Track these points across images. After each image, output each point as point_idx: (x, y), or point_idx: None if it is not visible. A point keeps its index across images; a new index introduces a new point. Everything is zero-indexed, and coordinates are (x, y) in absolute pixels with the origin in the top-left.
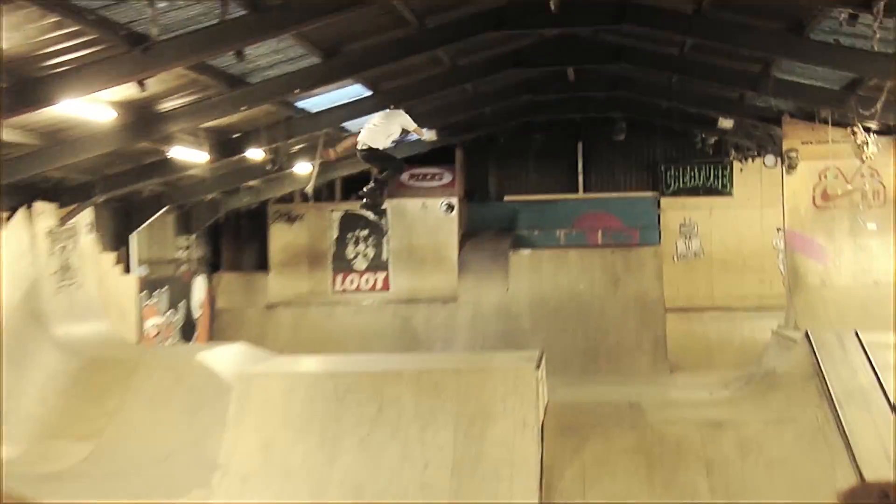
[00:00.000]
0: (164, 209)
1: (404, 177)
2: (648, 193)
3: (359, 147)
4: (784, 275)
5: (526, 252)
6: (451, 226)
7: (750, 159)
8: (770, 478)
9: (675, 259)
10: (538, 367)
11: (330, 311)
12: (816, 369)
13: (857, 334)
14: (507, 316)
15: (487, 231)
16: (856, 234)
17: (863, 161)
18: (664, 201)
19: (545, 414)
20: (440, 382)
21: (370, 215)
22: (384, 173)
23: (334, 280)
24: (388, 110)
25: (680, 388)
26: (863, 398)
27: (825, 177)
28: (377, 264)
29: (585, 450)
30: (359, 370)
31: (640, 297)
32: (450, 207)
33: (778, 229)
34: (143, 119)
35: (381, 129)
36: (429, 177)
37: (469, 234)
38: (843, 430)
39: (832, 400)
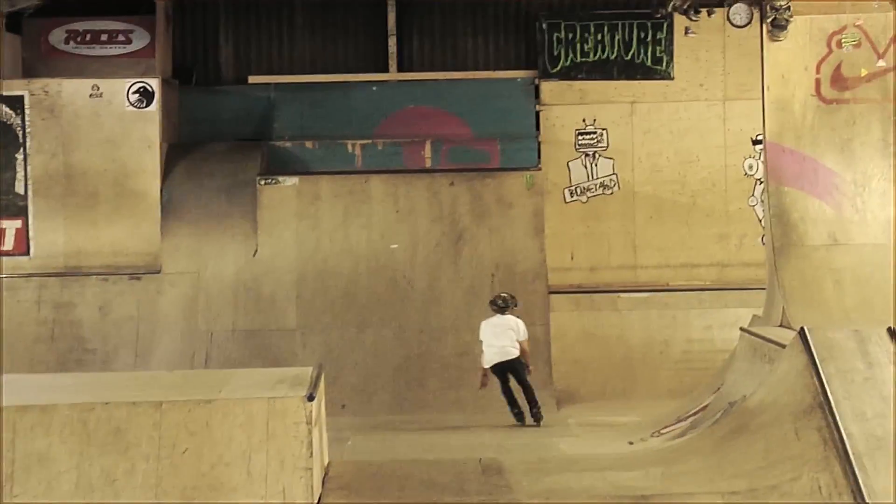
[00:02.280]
0: None
1: (57, 36)
2: (518, 74)
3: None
4: (764, 226)
5: (291, 182)
6: (146, 131)
7: (704, 12)
8: None
9: (568, 196)
10: (312, 397)
11: None
12: (819, 398)
13: (892, 333)
14: (255, 301)
15: (217, 142)
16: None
17: None
18: (547, 88)
19: (325, 484)
20: (125, 427)
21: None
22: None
23: None
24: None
25: (575, 434)
26: None
27: (839, 45)
28: (6, 204)
29: None
30: None
31: (504, 268)
32: (145, 96)
33: (754, 141)
34: None
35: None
36: (105, 37)
37: (183, 148)
38: None
39: (847, 453)
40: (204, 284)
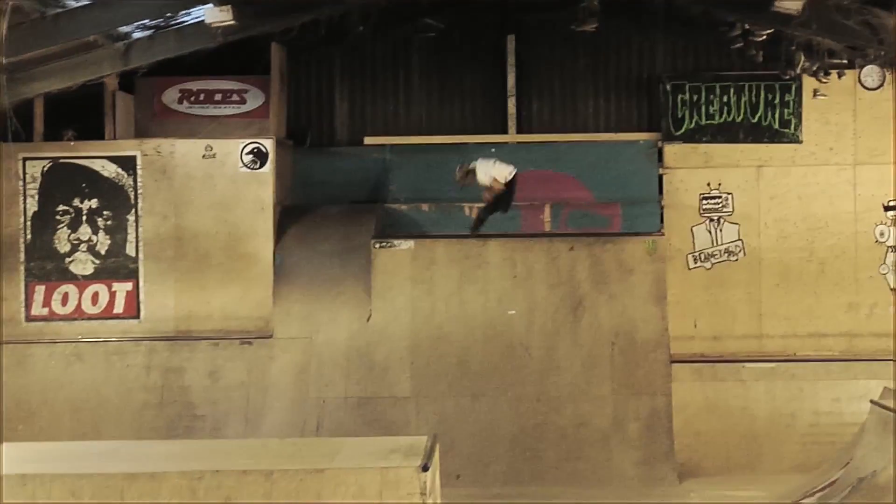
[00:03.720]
0: None
1: (170, 96)
2: (641, 136)
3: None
4: None
5: (406, 246)
6: (259, 193)
7: (834, 74)
8: None
9: (692, 262)
10: (427, 468)
11: (19, 356)
12: None
13: None
14: (368, 368)
15: (331, 205)
16: None
17: None
18: (671, 151)
19: None
20: (235, 496)
21: (105, 168)
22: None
23: (30, 297)
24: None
25: None
26: None
27: None
28: (116, 266)
29: None
30: (65, 470)
31: (624, 336)
32: (258, 157)
33: (886, 207)
34: None
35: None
36: (219, 97)
37: (296, 210)
38: None
39: None
40: (316, 350)
